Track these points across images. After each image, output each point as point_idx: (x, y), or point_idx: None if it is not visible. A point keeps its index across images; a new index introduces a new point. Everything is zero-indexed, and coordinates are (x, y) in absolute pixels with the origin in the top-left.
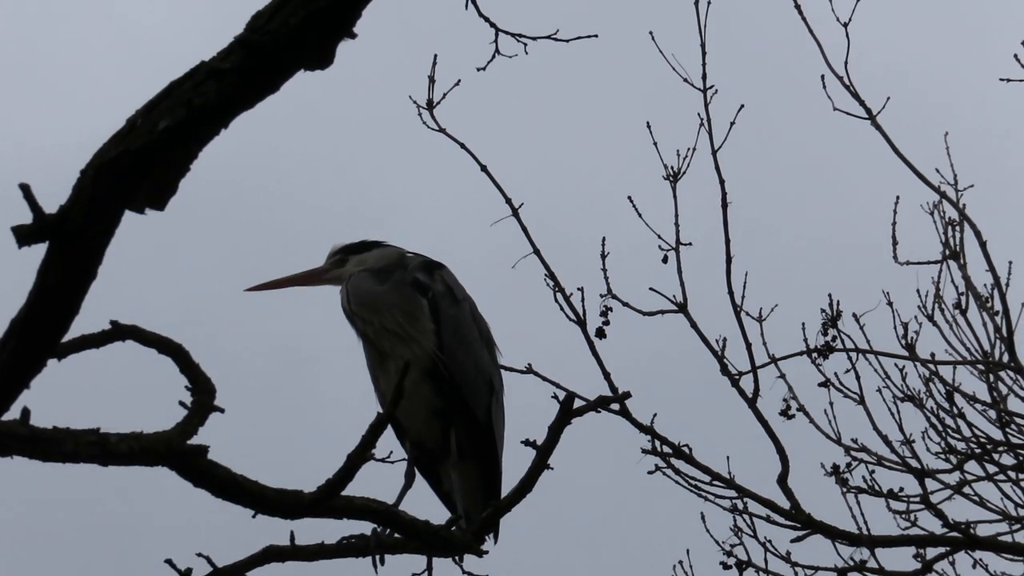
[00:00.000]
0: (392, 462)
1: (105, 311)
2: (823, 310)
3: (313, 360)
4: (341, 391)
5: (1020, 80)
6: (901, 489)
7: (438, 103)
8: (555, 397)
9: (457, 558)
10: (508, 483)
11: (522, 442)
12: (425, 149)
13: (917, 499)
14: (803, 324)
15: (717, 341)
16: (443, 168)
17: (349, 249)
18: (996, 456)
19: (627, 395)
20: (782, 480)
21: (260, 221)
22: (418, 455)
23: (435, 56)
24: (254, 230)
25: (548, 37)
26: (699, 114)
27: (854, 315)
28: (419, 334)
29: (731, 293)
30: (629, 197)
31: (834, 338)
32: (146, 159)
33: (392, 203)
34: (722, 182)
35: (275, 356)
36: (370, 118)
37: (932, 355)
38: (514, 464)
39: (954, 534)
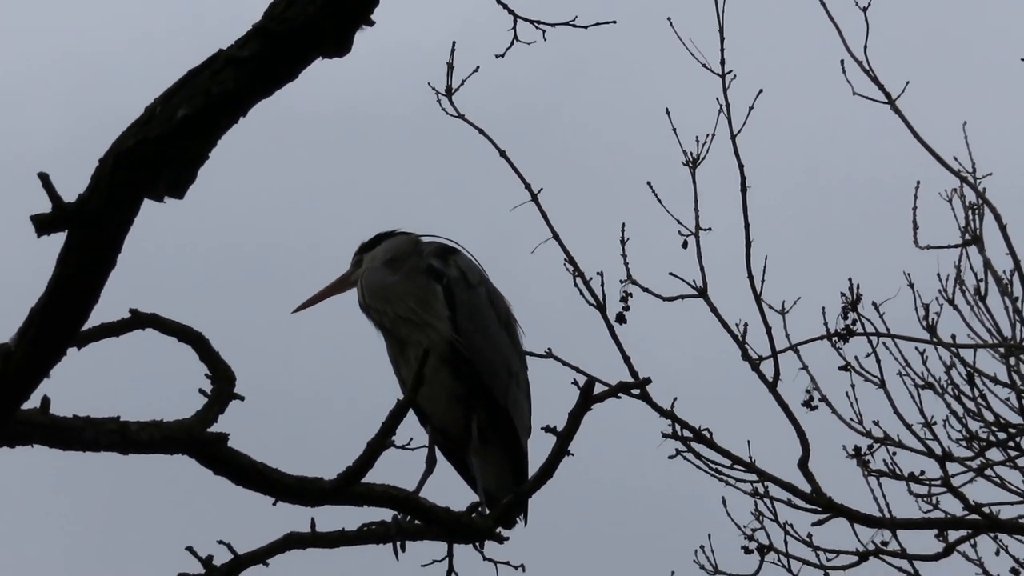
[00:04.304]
0: (412, 449)
1: (125, 299)
2: (843, 294)
3: (333, 347)
4: (361, 378)
5: None
6: (922, 472)
7: (457, 90)
8: (575, 383)
9: (478, 544)
10: (537, 466)
11: (542, 428)
12: (444, 136)
13: (938, 482)
14: (823, 308)
15: (737, 326)
16: (462, 154)
17: (364, 247)
18: (1018, 440)
19: (647, 381)
20: (803, 464)
21: (279, 215)
22: (442, 441)
23: (453, 43)
24: (271, 217)
25: (566, 23)
26: (718, 99)
27: (873, 303)
28: (434, 320)
29: (751, 278)
30: (648, 183)
31: (854, 322)
32: (165, 148)
33: (413, 193)
34: (741, 167)
35: (294, 343)
36: (387, 106)
37: (953, 337)
38: (541, 448)
39: (976, 517)
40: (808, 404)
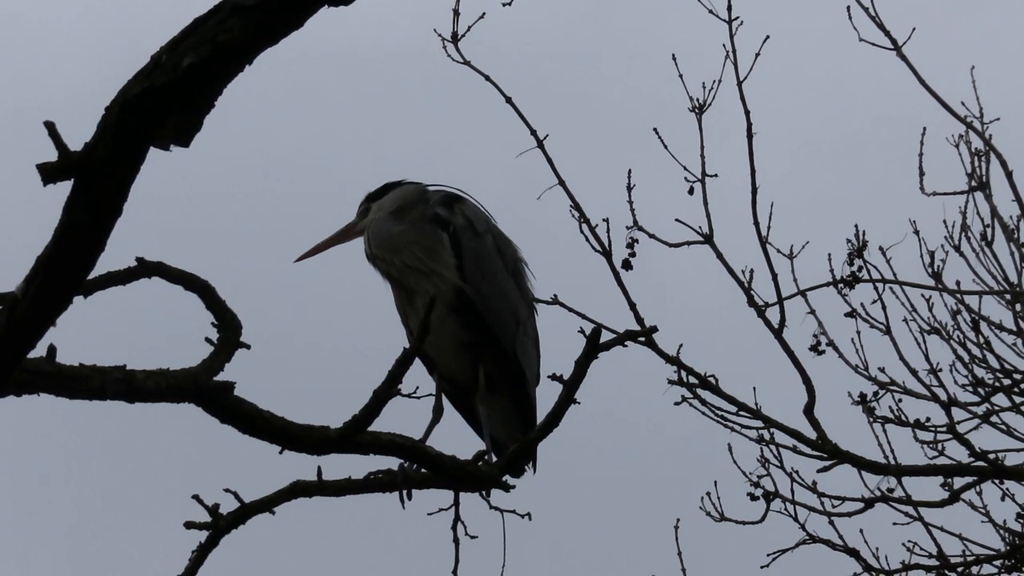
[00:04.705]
0: (419, 397)
1: (131, 248)
2: (849, 240)
3: (340, 296)
4: (368, 327)
5: None
6: (928, 419)
7: (463, 36)
8: (581, 331)
9: (484, 493)
10: (545, 414)
11: (549, 376)
12: (449, 83)
13: (944, 429)
14: (829, 255)
15: (743, 272)
16: (468, 102)
17: (371, 197)
18: (1023, 387)
19: (653, 329)
20: (808, 410)
21: (285, 162)
22: (450, 389)
23: None
24: (279, 171)
25: None
26: (724, 45)
27: (880, 248)
28: (441, 268)
29: (757, 224)
30: (655, 129)
31: (860, 268)
32: (170, 96)
33: (418, 140)
34: (747, 113)
35: (301, 292)
36: (393, 53)
37: (958, 283)
38: (550, 396)
39: (981, 463)
40: (815, 348)
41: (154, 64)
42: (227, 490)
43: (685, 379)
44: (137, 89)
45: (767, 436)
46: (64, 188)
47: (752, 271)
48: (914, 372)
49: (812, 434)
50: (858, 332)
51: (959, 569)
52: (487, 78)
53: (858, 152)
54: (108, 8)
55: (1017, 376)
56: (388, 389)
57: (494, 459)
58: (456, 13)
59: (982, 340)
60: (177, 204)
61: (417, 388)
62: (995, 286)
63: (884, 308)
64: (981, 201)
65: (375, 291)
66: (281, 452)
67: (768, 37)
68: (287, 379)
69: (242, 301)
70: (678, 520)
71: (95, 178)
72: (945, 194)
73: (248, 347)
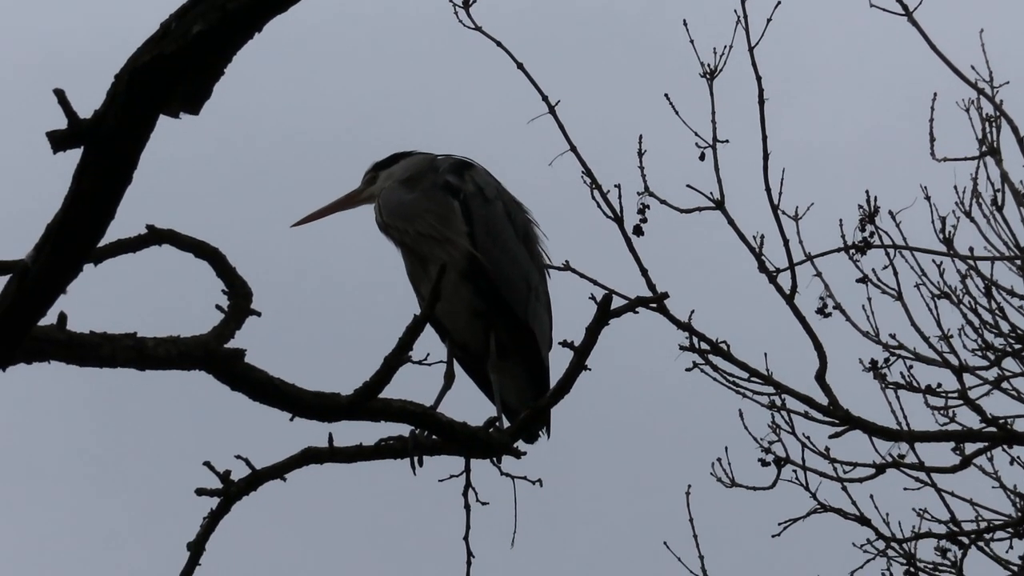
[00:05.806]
0: (429, 364)
1: (142, 215)
2: (860, 206)
3: (351, 262)
4: (379, 294)
5: None
6: (939, 385)
7: (474, 1)
8: (592, 298)
9: (495, 459)
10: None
11: (560, 343)
12: (460, 49)
13: (955, 394)
14: (840, 220)
15: (754, 238)
16: (479, 67)
17: (379, 166)
18: None
19: (665, 295)
20: (820, 376)
21: (295, 128)
22: (462, 356)
23: None
24: (289, 137)
25: None
26: (735, 11)
27: (890, 212)
28: (454, 235)
29: (768, 190)
30: (666, 94)
31: (872, 234)
32: (180, 64)
33: (429, 105)
34: (759, 79)
35: (311, 259)
36: (402, 19)
37: (971, 249)
38: (563, 361)
39: (992, 429)
40: (822, 311)
41: (163, 32)
42: (238, 456)
43: (697, 345)
44: (147, 57)
45: (778, 402)
46: (74, 156)
47: (763, 236)
48: (925, 338)
49: (823, 400)
50: (869, 298)
51: (970, 535)
52: (499, 44)
53: (869, 117)
54: None
55: None
56: (399, 356)
57: (506, 425)
58: None
59: (995, 306)
60: (188, 170)
61: (428, 355)
62: (1006, 251)
63: (895, 274)
64: (992, 166)
65: (386, 258)
66: (292, 419)
67: (779, 2)
68: (298, 346)
69: (252, 268)
70: (689, 486)
71: (104, 146)
72: (956, 160)
73: (259, 314)
